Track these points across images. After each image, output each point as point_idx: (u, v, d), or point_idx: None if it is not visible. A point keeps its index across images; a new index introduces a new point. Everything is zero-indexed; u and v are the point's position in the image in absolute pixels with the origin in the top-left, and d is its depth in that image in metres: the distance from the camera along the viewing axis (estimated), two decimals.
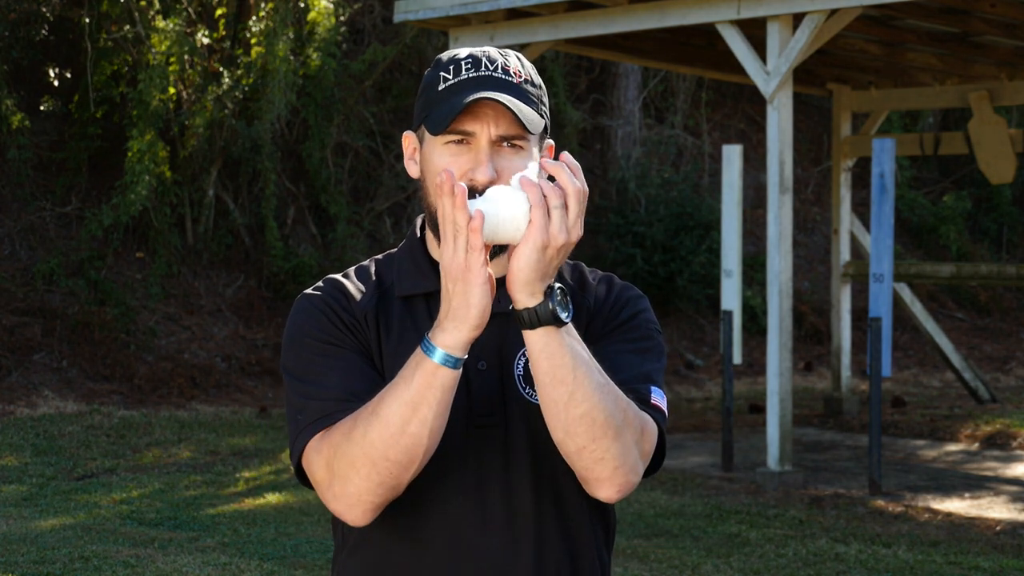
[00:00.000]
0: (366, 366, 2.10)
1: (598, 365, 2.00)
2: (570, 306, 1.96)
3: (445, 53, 2.14)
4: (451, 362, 1.94)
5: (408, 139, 2.17)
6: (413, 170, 2.17)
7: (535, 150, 2.10)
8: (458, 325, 1.92)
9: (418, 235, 2.21)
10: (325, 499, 2.06)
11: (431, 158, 2.08)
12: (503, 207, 1.90)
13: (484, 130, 2.04)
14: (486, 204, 1.90)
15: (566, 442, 2.00)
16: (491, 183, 2.02)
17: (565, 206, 1.90)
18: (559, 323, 1.93)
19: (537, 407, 2.06)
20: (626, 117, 17.14)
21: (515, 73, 2.08)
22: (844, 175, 12.48)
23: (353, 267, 2.23)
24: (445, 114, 2.03)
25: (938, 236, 17.92)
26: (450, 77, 2.07)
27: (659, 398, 2.13)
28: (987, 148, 11.64)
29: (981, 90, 11.69)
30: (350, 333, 2.11)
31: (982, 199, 18.54)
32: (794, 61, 8.70)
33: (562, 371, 1.95)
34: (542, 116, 2.09)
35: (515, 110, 2.01)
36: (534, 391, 2.08)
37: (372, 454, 1.96)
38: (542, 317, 1.92)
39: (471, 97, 2.01)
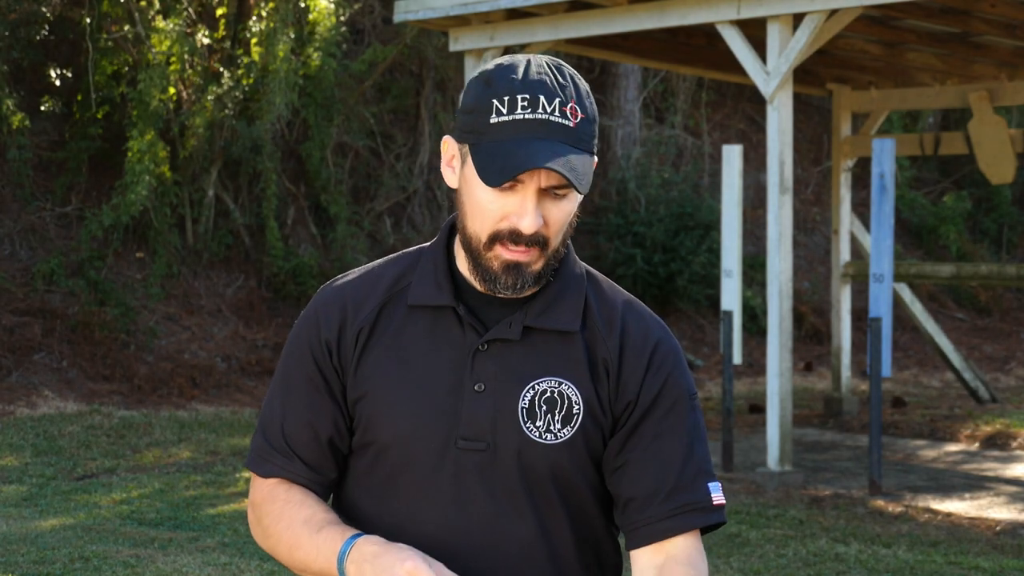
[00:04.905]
0: (316, 414, 2.10)
1: None
2: None
3: (497, 67, 2.00)
4: None
5: (448, 144, 2.06)
6: (451, 179, 2.07)
7: None
8: None
9: (443, 242, 2.13)
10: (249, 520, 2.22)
11: (474, 190, 2.00)
12: None
13: (534, 179, 1.96)
14: None
15: None
16: (537, 232, 1.98)
17: None
18: None
19: (536, 444, 2.03)
20: (626, 117, 17.14)
21: (572, 113, 1.96)
22: (844, 175, 12.47)
23: (377, 262, 2.18)
24: (499, 169, 1.93)
25: (938, 236, 17.91)
26: (504, 111, 1.95)
27: (718, 493, 2.09)
28: (987, 148, 11.64)
29: (981, 90, 11.69)
30: (319, 370, 2.10)
31: (982, 199, 18.54)
32: (794, 61, 8.70)
33: None
34: (593, 153, 2.00)
35: (571, 178, 1.92)
36: (535, 426, 2.03)
37: (279, 555, 2.13)
38: None
39: (528, 166, 1.91)
